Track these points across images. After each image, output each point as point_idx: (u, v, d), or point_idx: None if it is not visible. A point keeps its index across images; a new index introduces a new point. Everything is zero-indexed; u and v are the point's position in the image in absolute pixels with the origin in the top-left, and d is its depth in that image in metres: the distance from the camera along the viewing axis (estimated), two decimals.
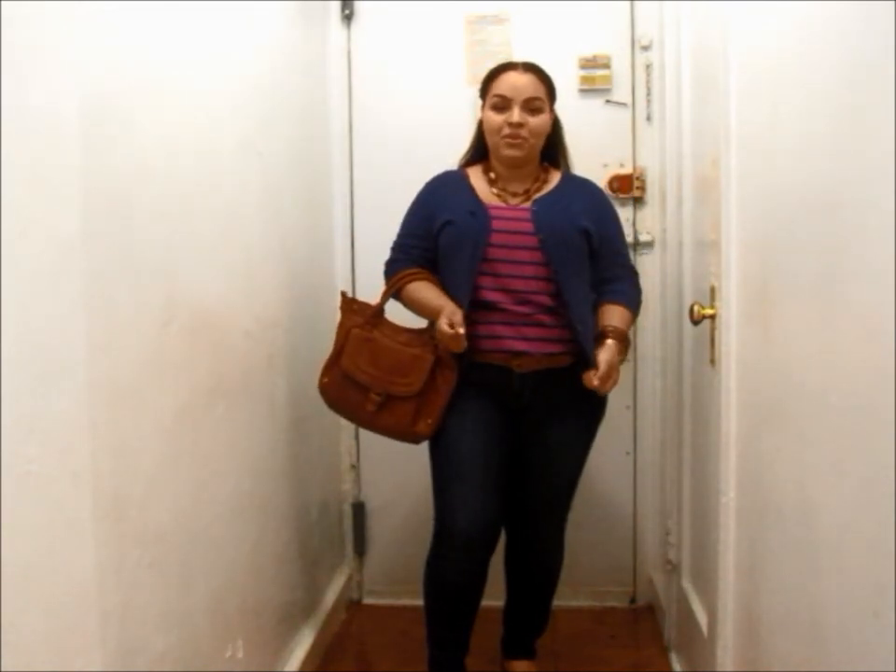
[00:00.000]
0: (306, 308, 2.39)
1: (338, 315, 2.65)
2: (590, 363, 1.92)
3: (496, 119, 1.95)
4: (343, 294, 2.10)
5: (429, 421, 1.94)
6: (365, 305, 2.04)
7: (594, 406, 2.06)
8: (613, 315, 1.99)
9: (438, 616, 2.08)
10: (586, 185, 2.10)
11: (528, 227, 1.95)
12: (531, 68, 1.97)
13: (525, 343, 1.95)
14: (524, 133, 1.93)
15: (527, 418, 2.02)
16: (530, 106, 1.93)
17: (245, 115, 1.89)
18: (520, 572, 2.21)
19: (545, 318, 1.95)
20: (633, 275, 2.13)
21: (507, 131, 1.94)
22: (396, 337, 1.98)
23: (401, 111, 2.68)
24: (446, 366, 1.93)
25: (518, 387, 1.96)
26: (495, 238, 1.94)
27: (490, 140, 2.00)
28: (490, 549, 2.02)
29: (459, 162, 2.11)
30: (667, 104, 2.41)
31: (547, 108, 1.97)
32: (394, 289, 2.03)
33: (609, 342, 1.92)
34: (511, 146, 1.95)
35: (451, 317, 1.86)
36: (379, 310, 2.02)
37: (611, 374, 1.91)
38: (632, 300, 2.07)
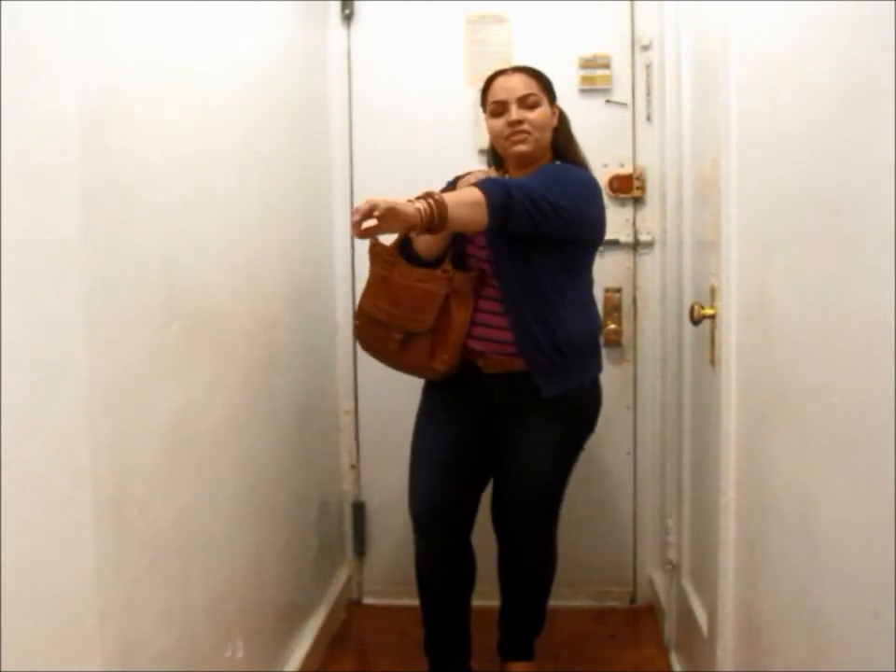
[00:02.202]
0: (306, 308, 2.39)
1: (338, 315, 2.69)
2: (540, 376, 1.93)
3: (497, 123, 1.97)
4: (371, 240, 1.98)
5: (445, 357, 1.94)
6: (386, 245, 2.02)
7: (571, 410, 2.01)
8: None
9: (423, 608, 2.15)
10: (552, 168, 2.00)
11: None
12: (520, 69, 2.00)
13: (480, 343, 1.96)
14: (525, 127, 1.94)
15: (500, 419, 2.03)
16: (526, 103, 1.94)
17: (244, 114, 1.89)
18: (511, 577, 2.22)
19: (494, 320, 1.95)
20: (528, 187, 1.82)
21: (508, 130, 1.95)
22: (410, 275, 1.98)
23: (401, 111, 2.68)
24: (461, 301, 1.93)
25: (488, 387, 1.98)
26: (471, 243, 1.98)
27: (498, 146, 2.02)
28: (446, 534, 2.08)
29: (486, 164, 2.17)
30: (667, 103, 2.40)
31: (544, 101, 1.96)
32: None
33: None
34: (517, 143, 1.95)
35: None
36: (399, 243, 1.99)
37: (366, 207, 1.57)
38: (491, 187, 1.76)
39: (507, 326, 1.94)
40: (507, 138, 1.96)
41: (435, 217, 1.65)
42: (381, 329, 2.00)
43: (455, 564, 2.12)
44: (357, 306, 2.11)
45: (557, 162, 2.02)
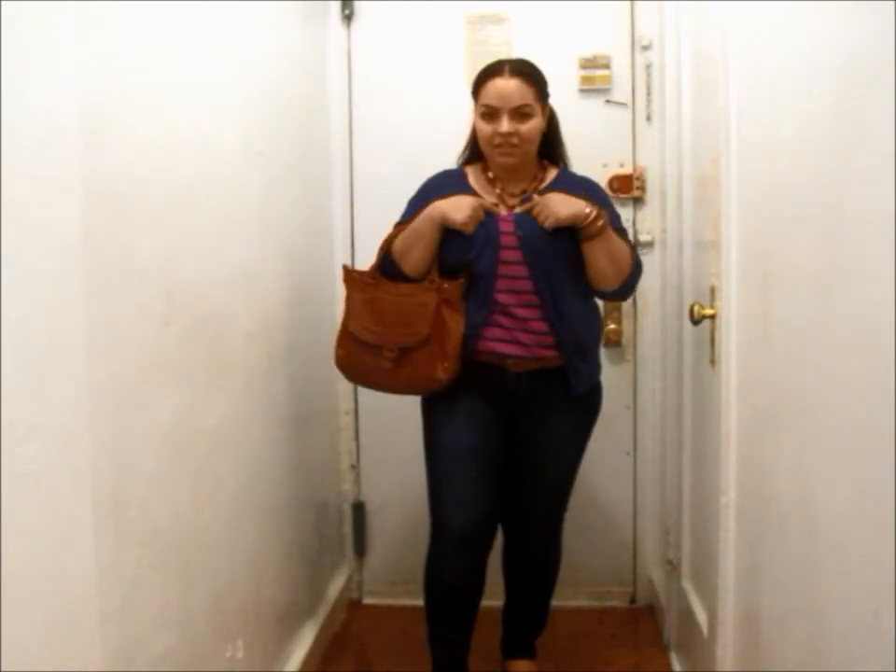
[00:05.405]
0: (306, 308, 2.39)
1: (338, 314, 2.69)
2: (574, 373, 1.96)
3: (486, 128, 1.92)
4: (345, 266, 2.12)
5: (446, 365, 1.90)
6: (362, 271, 2.06)
7: (588, 405, 2.07)
8: None
9: (438, 616, 2.10)
10: (578, 180, 2.04)
11: (514, 230, 1.94)
12: (517, 71, 1.90)
13: (518, 348, 1.95)
14: (514, 140, 1.90)
15: (523, 417, 2.02)
16: (519, 113, 1.89)
17: (245, 115, 1.89)
18: (518, 572, 2.21)
19: (539, 325, 1.94)
20: (633, 248, 2.05)
21: (497, 140, 1.91)
22: (396, 291, 1.98)
23: (401, 111, 2.68)
24: (453, 308, 1.92)
25: (513, 385, 1.97)
26: (504, 240, 1.93)
27: (483, 148, 1.98)
28: (486, 546, 2.04)
29: (458, 160, 2.09)
30: (667, 104, 2.41)
31: (538, 111, 1.92)
32: (387, 244, 1.99)
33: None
34: (504, 154, 1.93)
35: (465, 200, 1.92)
36: (375, 269, 2.01)
37: (548, 202, 1.89)
38: (634, 255, 2.01)
39: (543, 330, 1.94)
40: (495, 147, 1.93)
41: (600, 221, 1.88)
42: (370, 351, 1.98)
43: (481, 576, 2.07)
44: (337, 338, 2.06)
45: (552, 166, 2.03)
